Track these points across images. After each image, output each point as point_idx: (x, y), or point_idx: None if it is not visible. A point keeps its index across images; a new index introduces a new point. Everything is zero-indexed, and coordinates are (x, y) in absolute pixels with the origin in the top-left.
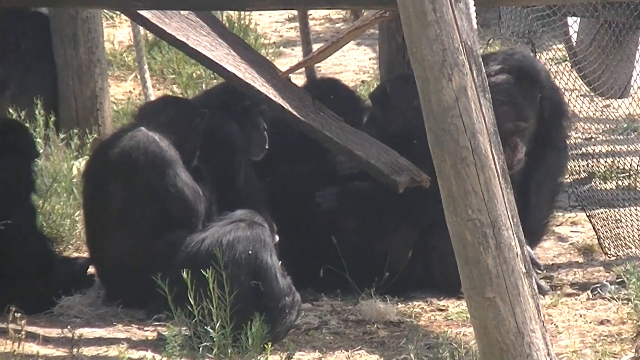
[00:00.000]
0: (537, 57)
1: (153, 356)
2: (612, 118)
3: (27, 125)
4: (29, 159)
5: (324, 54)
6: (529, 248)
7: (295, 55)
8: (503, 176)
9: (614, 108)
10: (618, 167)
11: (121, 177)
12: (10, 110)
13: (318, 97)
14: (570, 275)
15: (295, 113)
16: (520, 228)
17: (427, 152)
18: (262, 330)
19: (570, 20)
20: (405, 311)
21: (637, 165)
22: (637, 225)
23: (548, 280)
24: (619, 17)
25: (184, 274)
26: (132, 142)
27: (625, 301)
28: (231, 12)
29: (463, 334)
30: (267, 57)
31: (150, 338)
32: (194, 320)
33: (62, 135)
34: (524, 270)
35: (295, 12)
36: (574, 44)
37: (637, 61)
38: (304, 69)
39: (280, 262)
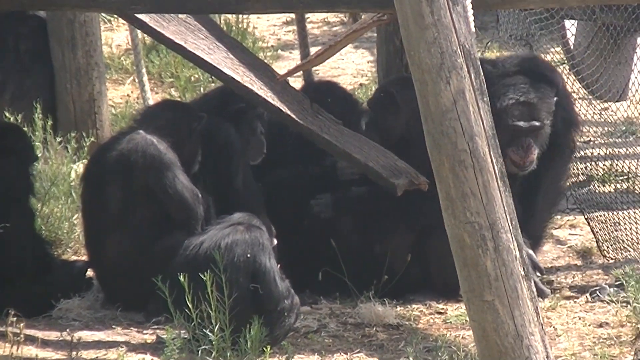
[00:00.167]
0: None
1: (152, 359)
2: (610, 121)
3: (25, 128)
4: (27, 162)
5: (322, 57)
6: (531, 252)
7: (293, 58)
8: (501, 179)
9: (612, 111)
10: (616, 170)
11: (119, 180)
12: (8, 114)
13: (315, 99)
14: (569, 278)
15: (293, 116)
16: (519, 231)
17: (426, 155)
18: (261, 333)
19: (568, 23)
20: (404, 314)
21: (636, 168)
22: (636, 228)
23: (548, 286)
24: (616, 20)
25: (182, 277)
26: (130, 145)
27: (624, 304)
28: (229, 16)
29: (462, 337)
30: (265, 61)
31: (149, 341)
32: (192, 323)
33: (59, 139)
34: (522, 273)
35: (293, 15)
36: (572, 46)
37: (635, 64)
38: (301, 72)
39: (278, 265)
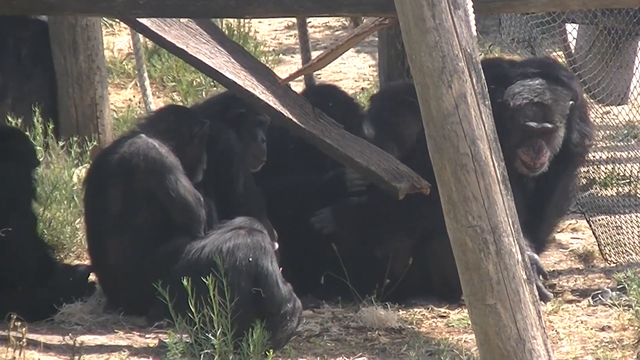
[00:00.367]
0: None
1: None
2: (612, 125)
3: (27, 132)
4: (29, 167)
5: (324, 62)
6: (536, 256)
7: (295, 62)
8: (503, 182)
9: (613, 115)
10: (618, 174)
11: (121, 184)
12: (9, 118)
13: (316, 103)
14: (571, 282)
15: (295, 120)
16: (521, 234)
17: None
18: (263, 337)
19: (569, 26)
20: (406, 318)
21: (638, 172)
22: (638, 231)
23: (550, 289)
24: (618, 24)
25: (184, 282)
26: (131, 149)
27: (626, 307)
28: (231, 20)
29: (464, 341)
30: (267, 65)
31: (151, 345)
32: (195, 328)
33: (61, 143)
34: (524, 276)
35: (294, 20)
36: (573, 50)
37: (637, 68)
38: (303, 76)
39: (280, 268)
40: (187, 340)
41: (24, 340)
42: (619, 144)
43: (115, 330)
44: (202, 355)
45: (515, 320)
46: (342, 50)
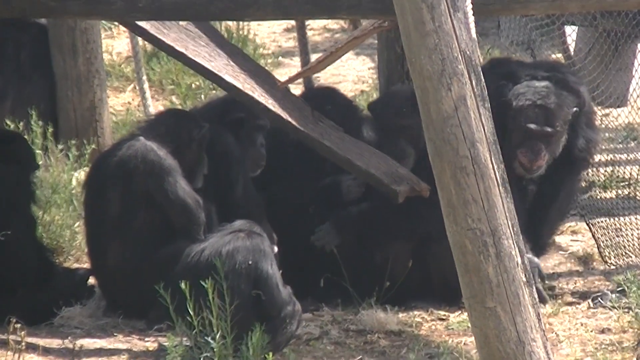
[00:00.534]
0: None
1: None
2: (612, 127)
3: (26, 136)
4: (28, 170)
5: (323, 64)
6: (536, 259)
7: (294, 65)
8: (503, 185)
9: (613, 117)
10: (618, 176)
11: (119, 186)
12: (8, 122)
13: (315, 106)
14: (571, 284)
15: (294, 123)
16: (521, 237)
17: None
18: (262, 340)
19: (569, 29)
20: (406, 321)
21: (637, 174)
22: (637, 234)
23: (550, 292)
24: (617, 26)
25: (184, 285)
26: (130, 151)
27: (625, 310)
28: (230, 23)
29: (464, 344)
30: (266, 67)
31: (151, 349)
32: (194, 331)
33: (60, 146)
34: (524, 279)
35: (293, 22)
36: (572, 52)
37: (636, 70)
38: (302, 78)
39: (280, 271)
40: (187, 344)
41: (23, 343)
42: (618, 147)
43: (115, 334)
44: (201, 359)
45: (515, 323)
46: (342, 52)
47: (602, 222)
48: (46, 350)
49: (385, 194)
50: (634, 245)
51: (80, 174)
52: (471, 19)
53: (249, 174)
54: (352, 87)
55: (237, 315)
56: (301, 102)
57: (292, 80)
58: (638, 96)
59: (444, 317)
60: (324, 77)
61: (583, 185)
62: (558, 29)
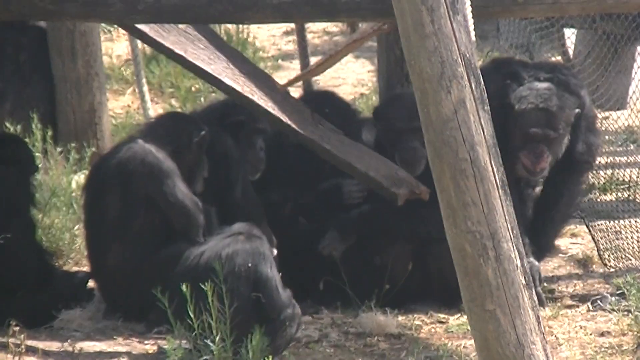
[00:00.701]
0: None
1: None
2: (611, 130)
3: (26, 139)
4: (27, 173)
5: (323, 67)
6: (537, 263)
7: (294, 68)
8: (502, 188)
9: (612, 120)
10: (617, 179)
11: (118, 189)
12: (7, 124)
13: (314, 109)
14: (570, 287)
15: (294, 126)
16: (520, 240)
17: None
18: (262, 343)
19: (568, 31)
20: (405, 323)
21: (637, 177)
22: (637, 236)
23: (549, 295)
24: (616, 29)
25: (183, 287)
26: (128, 154)
27: (625, 313)
28: (229, 26)
29: (463, 346)
30: (266, 70)
31: (150, 351)
32: (194, 333)
33: (60, 149)
34: (523, 282)
35: (293, 25)
36: (571, 55)
37: (635, 73)
38: (301, 81)
39: (279, 274)
40: (186, 347)
41: (23, 346)
42: (618, 149)
43: (114, 337)
44: None
45: (515, 326)
46: (341, 55)
47: (601, 224)
48: (46, 353)
49: (385, 196)
50: (633, 248)
51: (80, 177)
52: (470, 21)
53: (249, 177)
54: (351, 89)
55: (236, 318)
56: (301, 105)
57: (291, 83)
58: (638, 99)
59: (443, 320)
60: (323, 80)
61: (583, 188)
62: (557, 31)
